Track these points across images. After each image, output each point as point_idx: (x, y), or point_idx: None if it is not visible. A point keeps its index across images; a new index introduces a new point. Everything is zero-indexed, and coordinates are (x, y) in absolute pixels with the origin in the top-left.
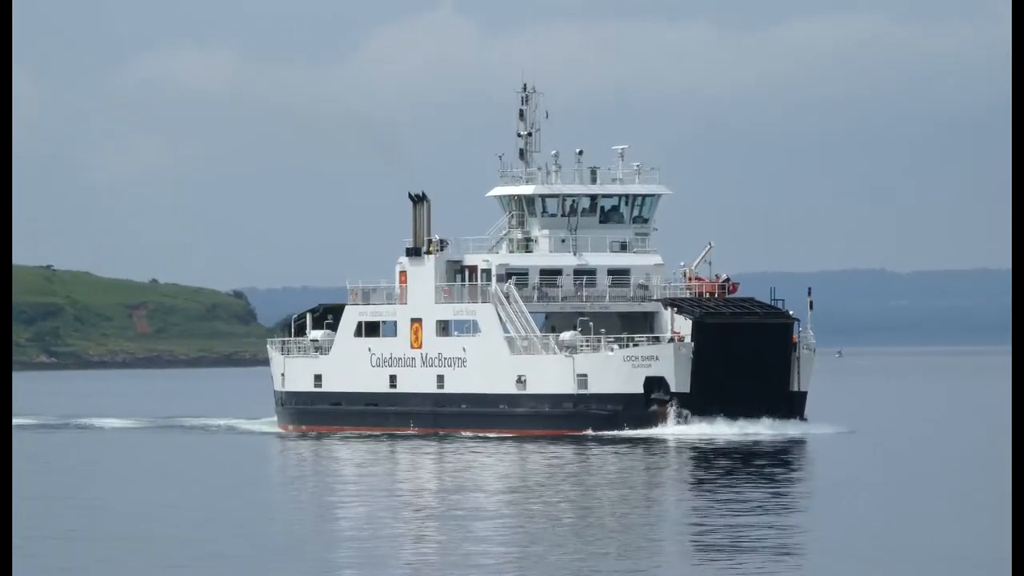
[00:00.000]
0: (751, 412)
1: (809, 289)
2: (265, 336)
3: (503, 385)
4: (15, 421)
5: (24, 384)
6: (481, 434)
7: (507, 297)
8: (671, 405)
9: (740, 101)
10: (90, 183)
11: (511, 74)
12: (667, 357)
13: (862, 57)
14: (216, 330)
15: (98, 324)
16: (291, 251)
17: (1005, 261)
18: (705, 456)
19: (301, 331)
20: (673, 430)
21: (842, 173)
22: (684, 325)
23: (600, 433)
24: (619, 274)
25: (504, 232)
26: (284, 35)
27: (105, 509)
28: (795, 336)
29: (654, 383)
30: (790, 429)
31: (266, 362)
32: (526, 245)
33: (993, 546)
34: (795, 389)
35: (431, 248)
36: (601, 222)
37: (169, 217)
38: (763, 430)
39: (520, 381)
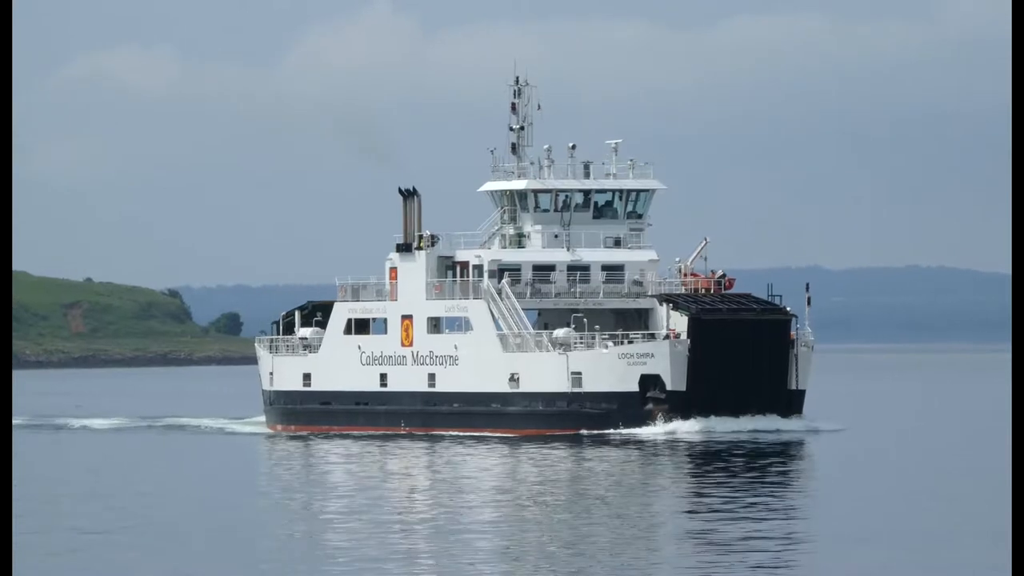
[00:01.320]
0: (748, 410)
1: (807, 285)
2: (200, 335)
3: (495, 383)
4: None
5: None
6: (473, 434)
7: (499, 293)
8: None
9: (696, 98)
10: (24, 182)
11: (504, 68)
12: (663, 354)
13: (805, 57)
14: (151, 329)
15: (34, 324)
16: (243, 248)
17: (937, 259)
18: (702, 455)
19: (290, 329)
20: (669, 429)
21: (783, 169)
22: (680, 322)
23: (594, 432)
24: (613, 270)
25: (496, 227)
26: (237, 30)
27: (98, 512)
28: (793, 333)
29: (649, 381)
30: (789, 427)
31: (204, 361)
32: (519, 241)
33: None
34: (793, 387)
35: (422, 244)
36: (595, 217)
37: (104, 216)
38: (761, 428)
39: (513, 379)
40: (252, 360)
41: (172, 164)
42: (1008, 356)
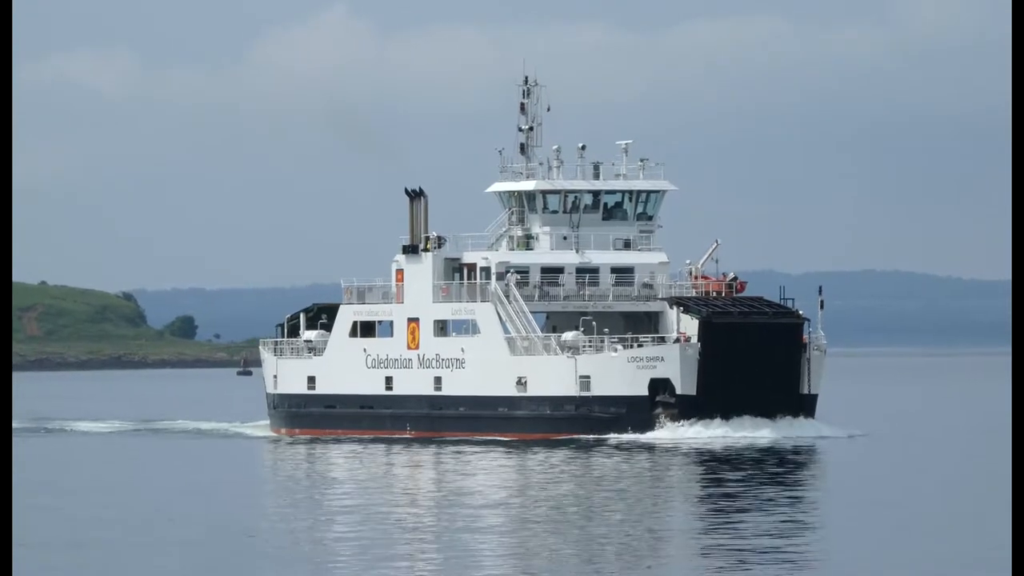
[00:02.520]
0: (760, 415)
1: (820, 288)
2: (155, 338)
3: (503, 387)
4: None
5: None
6: (480, 438)
7: (507, 296)
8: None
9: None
10: None
11: (513, 67)
12: (673, 358)
13: (758, 60)
14: (105, 332)
15: None
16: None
17: (893, 263)
18: (712, 461)
19: (294, 331)
20: (679, 434)
21: (737, 172)
22: (690, 325)
23: (603, 437)
24: (623, 272)
25: (504, 229)
26: (207, 31)
27: (90, 519)
28: (805, 337)
29: (659, 385)
30: (801, 432)
31: (158, 364)
32: (527, 243)
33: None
34: (805, 391)
35: (428, 245)
36: (604, 219)
37: (58, 219)
38: (772, 433)
39: (520, 383)
40: (206, 364)
41: (129, 167)
42: (968, 360)
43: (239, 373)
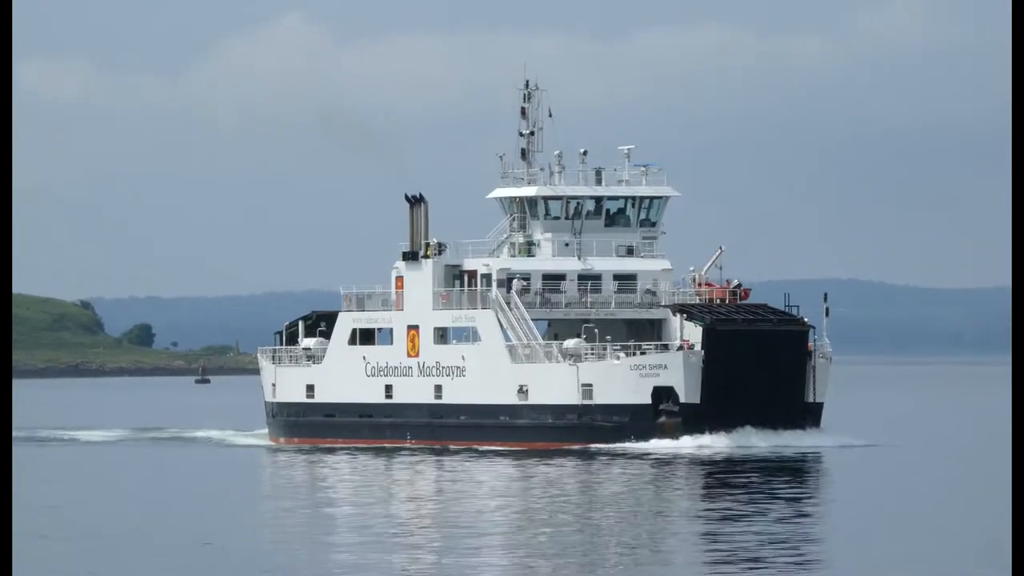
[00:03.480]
0: (764, 423)
1: (825, 295)
2: (112, 346)
3: (504, 395)
4: None
5: None
6: (481, 447)
7: (508, 303)
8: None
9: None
10: None
11: (514, 73)
12: (676, 366)
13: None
14: (63, 340)
15: None
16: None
17: (850, 272)
18: (716, 470)
19: (293, 339)
20: (682, 443)
21: (701, 180)
22: (694, 332)
23: (606, 446)
24: (625, 279)
25: (505, 235)
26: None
27: (95, 526)
28: (810, 344)
29: (662, 393)
30: (806, 441)
31: (116, 372)
32: (528, 249)
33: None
34: (811, 400)
35: (429, 252)
36: (606, 225)
37: (16, 227)
38: (777, 442)
39: (522, 391)
40: (164, 372)
41: (97, 173)
42: (931, 369)
43: (197, 381)
